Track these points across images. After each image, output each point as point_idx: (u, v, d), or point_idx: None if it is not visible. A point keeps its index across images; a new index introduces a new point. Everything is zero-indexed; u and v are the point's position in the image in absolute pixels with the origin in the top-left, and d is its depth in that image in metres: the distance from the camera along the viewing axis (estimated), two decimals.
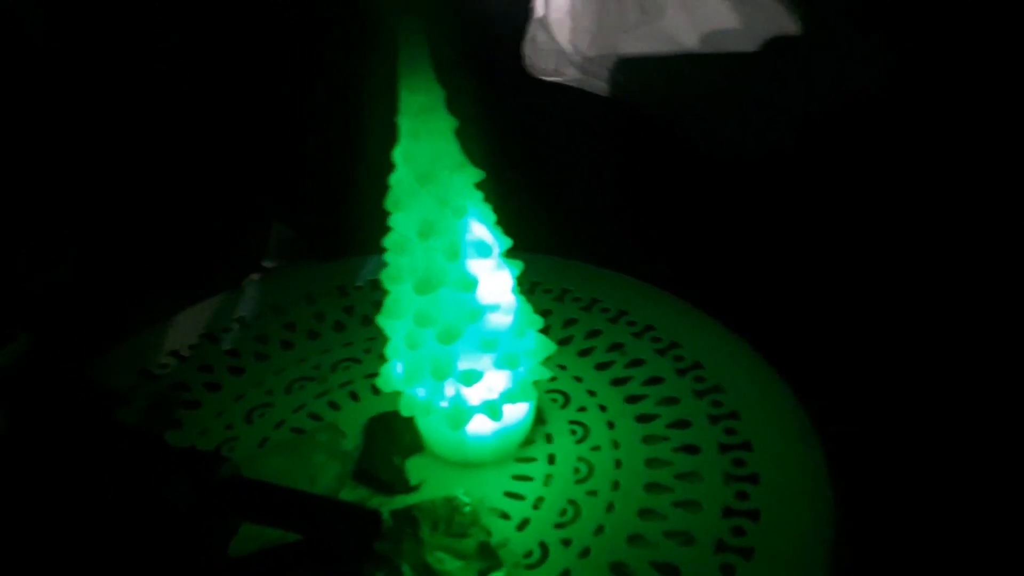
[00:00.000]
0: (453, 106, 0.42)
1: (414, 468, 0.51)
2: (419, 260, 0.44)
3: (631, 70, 1.00)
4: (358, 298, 0.66)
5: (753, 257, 0.71)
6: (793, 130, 0.88)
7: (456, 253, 0.44)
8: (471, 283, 0.45)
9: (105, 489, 0.44)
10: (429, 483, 0.50)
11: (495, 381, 0.48)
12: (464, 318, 0.45)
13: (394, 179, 0.44)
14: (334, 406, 0.57)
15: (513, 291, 0.48)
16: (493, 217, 0.45)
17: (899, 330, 0.61)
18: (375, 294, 0.66)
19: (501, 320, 0.47)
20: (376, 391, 0.57)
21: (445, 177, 0.43)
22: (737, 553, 0.44)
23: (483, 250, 0.45)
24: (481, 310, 0.46)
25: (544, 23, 1.08)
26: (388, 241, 0.46)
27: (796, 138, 0.86)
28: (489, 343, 0.46)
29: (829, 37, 0.87)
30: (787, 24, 0.90)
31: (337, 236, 0.74)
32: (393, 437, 0.53)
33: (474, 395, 0.48)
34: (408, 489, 0.50)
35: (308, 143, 0.77)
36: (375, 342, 0.61)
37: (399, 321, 0.47)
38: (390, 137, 0.44)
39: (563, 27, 1.07)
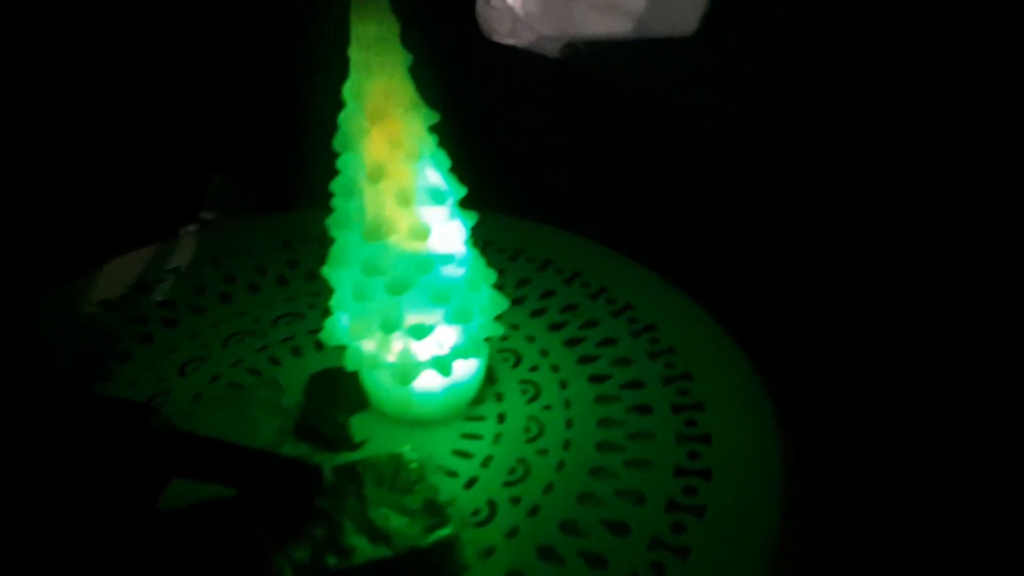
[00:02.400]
0: (408, 40, 0.40)
1: (358, 426, 0.49)
2: (368, 205, 0.42)
3: (584, 38, 0.99)
4: (302, 252, 0.63)
5: (709, 221, 0.71)
6: (751, 101, 0.87)
7: (408, 198, 0.42)
8: (424, 231, 0.43)
9: (27, 442, 0.41)
10: (374, 441, 0.48)
11: (446, 336, 0.46)
12: (415, 268, 0.43)
13: (343, 117, 0.42)
14: (274, 361, 0.54)
15: (467, 243, 0.46)
16: (448, 163, 0.43)
17: (857, 299, 0.61)
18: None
19: (453, 272, 0.45)
20: (319, 346, 0.55)
21: (398, 116, 0.41)
22: (688, 512, 0.43)
23: (437, 197, 0.43)
24: (433, 260, 0.44)
25: None
26: (335, 185, 0.44)
27: (755, 109, 0.86)
28: (441, 296, 0.45)
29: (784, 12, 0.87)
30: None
31: (282, 188, 0.71)
32: (337, 393, 0.51)
33: (423, 350, 0.46)
34: (352, 446, 0.48)
35: (253, 85, 0.74)
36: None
37: (346, 271, 0.45)
38: (341, 76, 0.42)
39: None
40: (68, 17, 0.71)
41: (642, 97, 0.92)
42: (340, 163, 0.43)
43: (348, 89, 0.41)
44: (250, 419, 0.50)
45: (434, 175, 0.43)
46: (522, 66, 1.00)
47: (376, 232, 0.42)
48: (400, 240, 0.43)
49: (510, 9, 1.04)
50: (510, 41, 1.04)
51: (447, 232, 0.44)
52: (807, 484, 0.44)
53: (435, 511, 0.42)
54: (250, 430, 0.49)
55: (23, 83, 0.69)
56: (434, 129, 0.43)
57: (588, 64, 0.97)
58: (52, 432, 0.42)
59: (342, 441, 0.48)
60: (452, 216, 0.44)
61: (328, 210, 0.45)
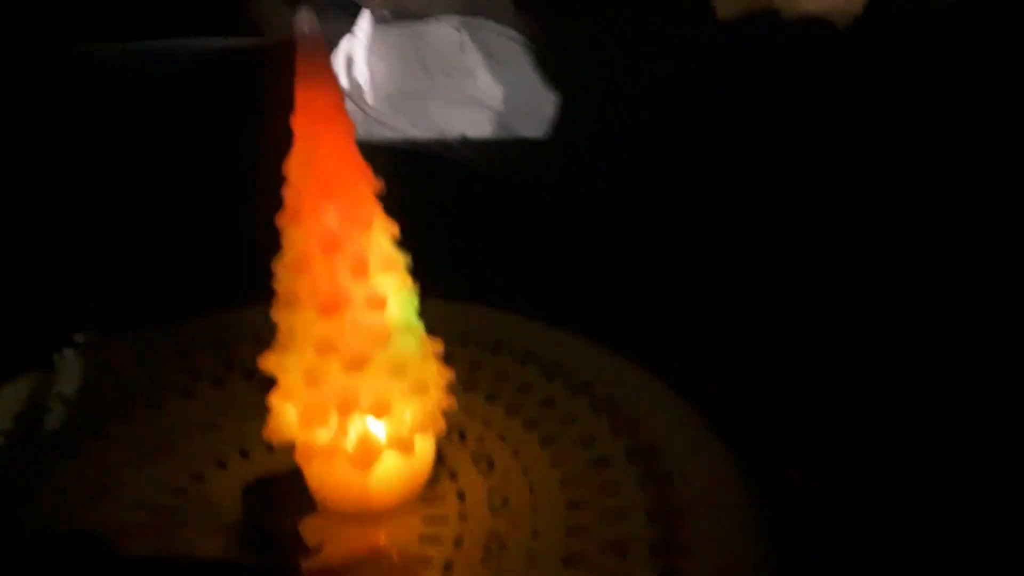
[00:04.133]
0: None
1: (310, 529, 0.45)
2: (321, 279, 0.40)
3: (444, 132, 1.02)
4: (202, 361, 0.59)
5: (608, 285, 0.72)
6: (624, 179, 0.93)
7: (363, 268, 0.40)
8: (380, 300, 0.41)
9: None
10: (333, 542, 0.45)
11: (404, 412, 0.44)
12: (373, 342, 0.42)
13: (289, 191, 0.40)
14: (197, 478, 0.49)
15: (416, 312, 0.45)
16: (395, 229, 0.43)
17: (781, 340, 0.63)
18: (222, 353, 0.59)
19: (408, 343, 0.44)
20: (245, 455, 0.50)
21: (349, 185, 0.40)
22: (674, 551, 0.43)
23: (390, 265, 0.42)
24: (390, 332, 0.42)
25: (348, 93, 1.07)
26: (281, 263, 0.41)
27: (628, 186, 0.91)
28: (399, 368, 0.43)
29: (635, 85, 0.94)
30: (588, 80, 0.97)
31: (162, 299, 0.65)
32: (278, 498, 0.47)
33: (382, 430, 0.44)
34: (309, 552, 0.44)
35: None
36: (233, 404, 0.54)
37: (294, 356, 0.42)
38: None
39: (367, 95, 1.06)
40: None
41: (515, 184, 0.95)
42: (287, 238, 0.41)
43: (294, 161, 0.40)
44: (184, 543, 0.44)
45: (385, 243, 0.42)
46: (384, 165, 1.01)
47: (332, 306, 0.40)
48: (356, 313, 0.41)
49: (360, 111, 1.06)
50: (365, 140, 1.05)
51: (400, 301, 0.43)
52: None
53: None
54: (187, 554, 0.43)
55: None
56: (379, 198, 0.42)
57: (451, 156, 0.99)
58: None
59: (297, 549, 0.44)
60: (402, 285, 0.43)
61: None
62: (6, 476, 0.47)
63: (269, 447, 0.48)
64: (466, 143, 1.00)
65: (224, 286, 0.62)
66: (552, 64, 1.00)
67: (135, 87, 0.91)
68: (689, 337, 0.61)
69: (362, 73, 1.08)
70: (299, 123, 0.39)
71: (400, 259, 0.43)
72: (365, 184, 0.41)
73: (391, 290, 0.42)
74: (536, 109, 0.99)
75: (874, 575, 0.47)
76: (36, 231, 0.68)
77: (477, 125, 1.01)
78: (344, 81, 1.08)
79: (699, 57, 0.91)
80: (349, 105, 1.08)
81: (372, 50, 1.07)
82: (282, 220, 0.40)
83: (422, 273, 0.46)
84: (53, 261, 0.67)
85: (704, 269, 0.70)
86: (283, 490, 0.47)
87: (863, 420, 0.55)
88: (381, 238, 0.42)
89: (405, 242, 0.44)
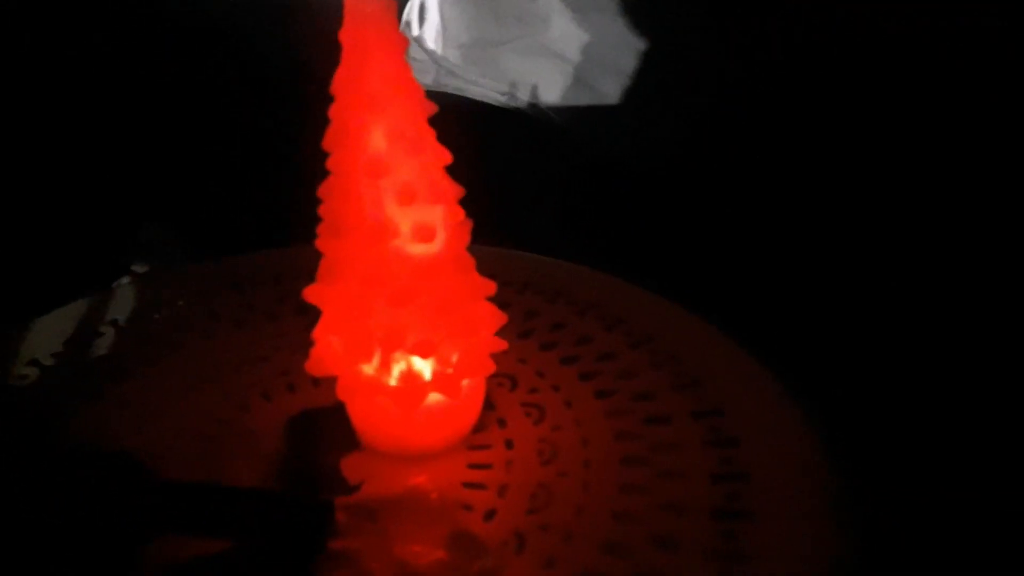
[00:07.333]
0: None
1: (350, 466, 0.44)
2: (368, 205, 0.38)
3: (515, 83, 0.98)
4: (258, 295, 0.58)
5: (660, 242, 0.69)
6: (680, 135, 0.88)
7: (412, 195, 0.38)
8: (429, 231, 0.39)
9: None
10: (373, 480, 0.43)
11: (451, 352, 0.42)
12: (421, 274, 0.39)
13: (335, 110, 0.38)
14: (243, 408, 0.48)
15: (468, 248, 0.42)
16: (448, 158, 0.40)
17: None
18: (276, 289, 0.59)
19: (458, 280, 0.41)
20: (292, 388, 0.49)
21: (399, 105, 0.37)
22: (737, 518, 0.40)
23: (440, 195, 0.39)
24: (439, 265, 0.40)
25: (419, 39, 1.05)
26: (326, 188, 0.39)
27: (683, 142, 0.87)
28: (446, 306, 0.41)
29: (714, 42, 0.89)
30: (672, 34, 0.92)
31: (219, 232, 0.65)
32: (321, 434, 0.46)
33: (428, 369, 0.42)
34: (349, 489, 0.43)
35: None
36: (285, 339, 0.53)
37: (338, 287, 0.41)
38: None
39: (437, 43, 1.04)
40: None
41: (577, 137, 0.91)
42: (332, 162, 0.39)
43: (340, 77, 0.37)
44: (225, 470, 0.43)
45: (436, 171, 0.39)
46: (453, 116, 0.99)
47: (378, 234, 0.38)
48: (403, 243, 0.39)
49: (431, 60, 1.03)
50: (437, 89, 1.03)
51: (451, 233, 0.40)
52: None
53: (469, 542, 0.37)
54: (228, 482, 0.42)
55: None
56: (432, 122, 0.40)
57: (517, 108, 0.96)
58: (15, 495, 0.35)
59: (336, 484, 0.43)
60: (453, 216, 0.41)
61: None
62: (52, 396, 0.46)
63: (316, 382, 0.47)
64: (537, 95, 0.97)
65: (286, 223, 0.61)
66: (632, 14, 0.95)
67: (196, 21, 0.90)
68: (762, 293, 0.57)
69: (434, 21, 1.05)
70: (347, 34, 0.37)
71: (452, 189, 0.40)
72: (416, 105, 0.38)
73: (440, 222, 0.40)
74: (614, 62, 0.95)
75: (959, 546, 0.43)
76: (101, 162, 0.68)
77: (550, 77, 0.97)
78: (416, 29, 1.06)
79: (795, 12, 0.85)
80: (420, 54, 1.06)
81: None
82: (327, 142, 0.38)
83: (484, 222, 0.43)
84: (117, 193, 0.67)
85: (780, 225, 0.66)
86: (326, 426, 0.46)
87: (948, 383, 0.50)
88: (431, 166, 0.39)
89: (470, 192, 0.42)
